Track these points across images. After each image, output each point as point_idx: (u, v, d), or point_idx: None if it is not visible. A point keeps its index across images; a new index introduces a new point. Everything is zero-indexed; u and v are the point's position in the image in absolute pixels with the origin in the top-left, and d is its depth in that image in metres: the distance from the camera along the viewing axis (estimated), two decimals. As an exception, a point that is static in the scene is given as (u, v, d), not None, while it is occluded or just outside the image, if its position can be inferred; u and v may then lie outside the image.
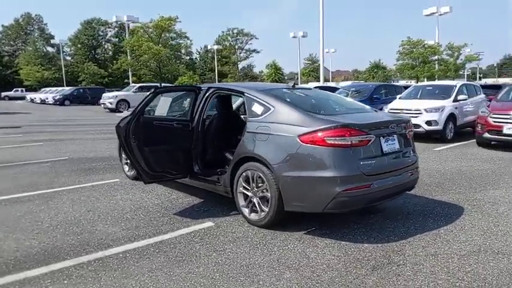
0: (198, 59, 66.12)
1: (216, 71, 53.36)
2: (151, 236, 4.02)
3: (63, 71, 52.55)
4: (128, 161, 6.45)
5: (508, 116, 8.99)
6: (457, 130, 11.06)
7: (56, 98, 35.83)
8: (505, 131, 8.96)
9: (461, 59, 32.79)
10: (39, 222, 4.46)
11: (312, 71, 65.46)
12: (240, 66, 56.47)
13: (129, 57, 27.22)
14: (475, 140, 10.27)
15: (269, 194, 4.04)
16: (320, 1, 18.21)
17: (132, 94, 25.96)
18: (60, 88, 42.00)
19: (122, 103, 25.46)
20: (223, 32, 51.41)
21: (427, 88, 12.19)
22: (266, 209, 4.10)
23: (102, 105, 26.06)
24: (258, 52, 54.69)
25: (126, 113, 23.80)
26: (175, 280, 3.11)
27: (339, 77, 69.99)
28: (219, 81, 52.96)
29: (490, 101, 12.45)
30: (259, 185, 4.17)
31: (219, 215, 4.67)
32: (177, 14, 22.42)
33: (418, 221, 4.43)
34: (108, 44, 64.96)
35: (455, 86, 11.53)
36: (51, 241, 3.91)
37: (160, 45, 22.93)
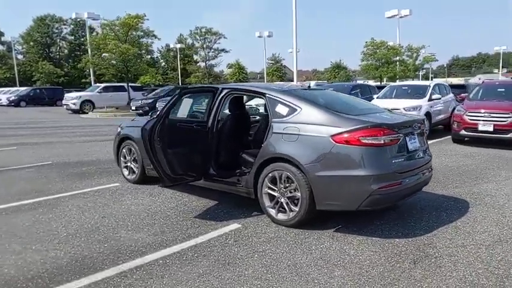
0: (160, 58, 64.75)
1: (179, 70, 52.49)
2: (182, 241, 3.93)
3: (16, 70, 49.54)
4: (128, 165, 6.27)
5: (482, 114, 9.59)
6: (430, 128, 11.64)
7: (10, 99, 33.83)
8: (480, 128, 9.56)
9: (419, 60, 34.39)
10: (55, 231, 4.23)
11: (275, 70, 66.06)
12: (209, 64, 55.96)
13: (90, 55, 26.13)
14: (449, 137, 10.87)
15: (299, 194, 4.07)
16: (293, 2, 18.48)
17: (97, 94, 25.05)
18: (13, 88, 39.61)
19: (87, 104, 24.50)
20: (191, 30, 50.60)
21: (403, 88, 12.73)
22: (296, 209, 4.13)
23: (65, 106, 24.89)
24: (227, 52, 54.37)
25: (91, 115, 22.96)
26: (230, 284, 3.07)
27: (300, 77, 71.19)
28: (182, 81, 52.10)
29: (458, 100, 13.26)
30: (287, 185, 4.20)
31: (241, 216, 4.65)
32: (133, 13, 21.68)
33: (433, 215, 4.65)
34: (64, 42, 61.93)
35: (429, 86, 12.13)
36: (77, 250, 3.72)
37: (127, 43, 22.21)
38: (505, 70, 57.53)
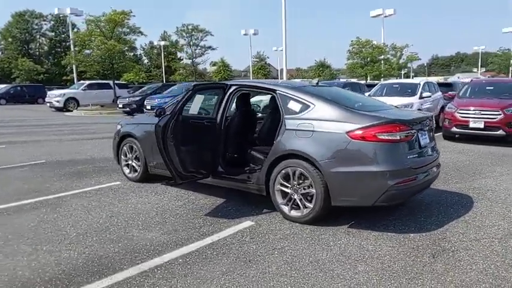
0: (143, 55, 63.86)
1: (163, 67, 51.89)
2: (197, 239, 3.88)
3: (-6, 67, 48.05)
4: (129, 163, 6.16)
5: (473, 112, 9.81)
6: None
7: (-11, 97, 32.73)
8: (471, 125, 9.78)
9: (403, 59, 34.96)
10: (63, 231, 4.11)
11: (259, 68, 66.13)
12: (196, 62, 55.34)
13: (73, 52, 25.49)
14: (439, 134, 11.06)
15: (314, 190, 4.07)
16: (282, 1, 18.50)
17: (81, 92, 24.54)
18: (-8, 86, 38.34)
19: (71, 101, 23.96)
20: (177, 27, 49.87)
21: (394, 86, 12.89)
22: (310, 205, 4.13)
23: (48, 104, 24.28)
24: (213, 49, 53.93)
25: (76, 113, 22.45)
26: (256, 281, 3.04)
27: (281, 76, 71.42)
28: (166, 79, 51.49)
29: (445, 98, 13.52)
30: (301, 181, 4.19)
31: (252, 213, 4.62)
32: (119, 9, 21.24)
33: (441, 210, 4.72)
34: (43, 39, 60.32)
35: (419, 84, 12.33)
36: (91, 251, 3.62)
37: (113, 40, 21.78)
38: (483, 69, 58.98)
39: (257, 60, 70.60)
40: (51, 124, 16.28)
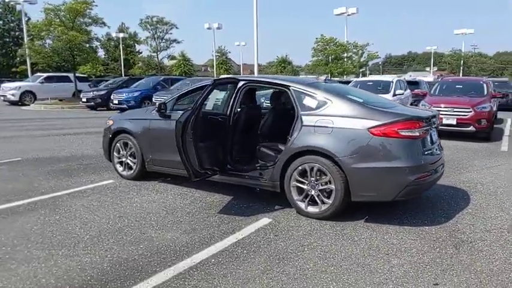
0: (99, 47, 61.15)
1: (122, 60, 50.05)
2: (221, 238, 3.79)
3: None
4: (122, 160, 5.91)
5: (446, 109, 10.32)
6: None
7: None
8: (444, 121, 10.27)
9: (364, 57, 36.08)
10: (73, 234, 3.86)
11: (221, 63, 65.54)
12: (160, 56, 53.76)
13: (26, 42, 23.90)
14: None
15: (333, 186, 4.11)
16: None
17: (38, 85, 23.08)
18: None
19: (27, 95, 22.50)
20: (141, 19, 48.05)
21: (368, 84, 13.26)
22: (329, 201, 4.16)
23: (2, 98, 22.64)
24: (179, 42, 52.60)
25: (34, 107, 21.13)
26: (298, 278, 3.03)
27: (245, 71, 71.34)
28: (125, 72, 49.71)
29: (413, 95, 14.13)
30: (319, 177, 4.21)
31: (265, 210, 4.58)
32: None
33: (445, 204, 4.92)
34: (-13, 28, 55.95)
35: (392, 81, 12.79)
36: (113, 254, 3.43)
37: (74, 30, 20.63)
38: (435, 68, 62.31)
39: (218, 55, 69.94)
40: (12, 119, 15.23)
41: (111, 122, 6.13)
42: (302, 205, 4.34)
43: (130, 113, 6.33)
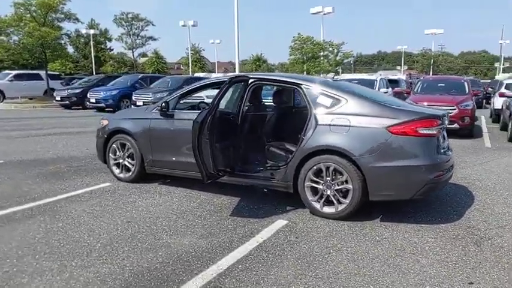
0: (68, 43, 58.98)
1: (93, 57, 48.52)
2: (241, 242, 3.65)
3: None
4: (119, 162, 5.66)
5: (431, 107, 10.54)
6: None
7: None
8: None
9: (339, 56, 36.50)
10: (83, 242, 3.62)
11: (195, 61, 64.74)
12: (136, 53, 52.49)
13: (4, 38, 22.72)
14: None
15: (350, 186, 4.05)
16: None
17: (7, 83, 22.00)
18: None
19: (-5, 93, 21.37)
20: (115, 16, 46.58)
21: (353, 82, 13.36)
22: (346, 201, 4.10)
23: (-33, 97, 21.41)
24: (155, 39, 51.41)
25: (4, 106, 20.06)
26: (334, 282, 2.94)
27: (219, 68, 70.80)
28: (96, 70, 48.21)
29: (394, 94, 14.39)
30: (335, 177, 4.14)
31: (278, 211, 4.48)
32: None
33: (451, 200, 4.98)
34: None
35: (376, 80, 12.98)
36: (132, 263, 3.23)
37: (46, 26, 19.72)
38: (406, 67, 64.02)
39: (192, 52, 69.07)
40: (-19, 119, 14.38)
41: (105, 122, 5.84)
42: (317, 205, 4.26)
43: (127, 112, 6.06)
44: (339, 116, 4.16)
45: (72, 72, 48.50)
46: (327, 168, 4.17)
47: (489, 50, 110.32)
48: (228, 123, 4.37)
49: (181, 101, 5.42)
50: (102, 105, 16.94)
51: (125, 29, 47.98)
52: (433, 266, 3.21)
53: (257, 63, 59.24)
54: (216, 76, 18.70)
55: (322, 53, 32.46)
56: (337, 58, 36.27)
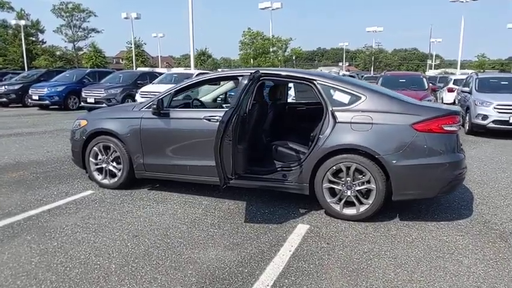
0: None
1: (24, 51, 44.54)
2: (272, 252, 3.35)
3: None
4: (102, 166, 5.08)
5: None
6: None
7: None
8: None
9: (287, 52, 37.01)
10: (93, 264, 3.10)
11: (136, 55, 62.04)
12: (79, 45, 48.84)
13: None
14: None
15: (373, 186, 3.91)
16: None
17: None
18: None
19: None
20: (54, 5, 42.82)
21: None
22: (369, 201, 3.95)
23: None
24: (98, 32, 48.11)
25: None
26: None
27: (162, 63, 68.56)
28: (28, 65, 44.35)
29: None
30: (355, 177, 3.98)
31: (294, 215, 4.23)
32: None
33: (454, 195, 4.96)
34: None
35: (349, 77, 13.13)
36: (164, 285, 2.81)
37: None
38: (347, 63, 66.63)
39: (132, 46, 66.02)
40: None
41: (84, 123, 5.18)
42: (337, 207, 4.08)
43: (110, 111, 5.42)
44: (360, 113, 3.99)
45: (0, 66, 44.22)
46: (348, 168, 3.99)
47: (419, 48, 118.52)
48: (243, 123, 4.03)
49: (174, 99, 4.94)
50: (47, 102, 15.48)
51: (64, 20, 44.50)
52: (478, 266, 3.15)
53: (201, 58, 58.23)
54: (169, 71, 17.93)
55: (271, 49, 32.61)
56: (286, 54, 36.79)
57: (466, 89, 11.23)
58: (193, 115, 4.63)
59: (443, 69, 49.03)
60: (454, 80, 15.47)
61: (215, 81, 5.59)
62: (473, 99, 10.16)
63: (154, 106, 4.57)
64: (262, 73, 4.35)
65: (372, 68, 50.60)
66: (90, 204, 4.51)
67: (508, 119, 9.36)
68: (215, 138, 3.48)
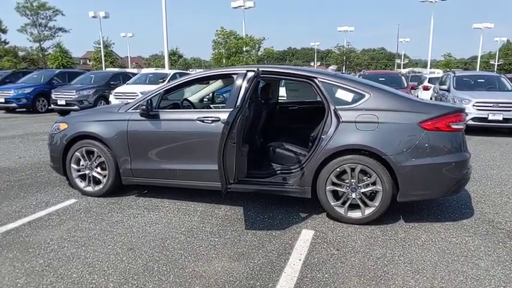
0: None
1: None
2: (281, 261, 3.15)
3: None
4: (85, 173, 4.72)
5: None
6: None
7: None
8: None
9: (261, 51, 36.88)
10: (90, 284, 2.80)
11: (104, 55, 60.27)
12: (45, 46, 46.57)
13: None
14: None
15: (380, 187, 3.77)
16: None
17: None
18: None
19: None
20: (18, 3, 40.52)
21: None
22: (375, 204, 3.81)
23: None
24: (66, 31, 46.06)
25: None
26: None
27: (132, 64, 66.95)
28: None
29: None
30: (361, 179, 3.83)
31: (296, 220, 4.03)
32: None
33: (458, 196, 4.84)
34: None
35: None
36: (168, 305, 2.54)
37: None
38: (318, 63, 67.34)
39: (100, 46, 64.10)
40: None
41: (64, 126, 4.79)
42: (341, 210, 3.91)
43: (93, 113, 5.03)
44: (365, 112, 3.84)
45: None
46: (352, 169, 3.83)
47: (386, 47, 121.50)
48: (245, 124, 3.79)
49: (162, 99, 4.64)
50: (14, 105, 14.62)
51: (29, 18, 42.45)
52: (495, 269, 3.06)
53: (172, 58, 57.27)
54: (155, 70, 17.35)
55: (245, 48, 32.39)
56: (259, 53, 36.66)
57: (444, 86, 11.41)
58: (185, 116, 4.35)
59: (410, 68, 50.34)
60: (429, 78, 15.80)
61: (207, 80, 5.31)
62: (452, 97, 10.31)
63: (143, 107, 4.26)
64: (261, 71, 4.13)
65: (344, 68, 51.38)
66: (75, 214, 4.14)
67: (486, 116, 9.56)
68: (219, 142, 3.22)
